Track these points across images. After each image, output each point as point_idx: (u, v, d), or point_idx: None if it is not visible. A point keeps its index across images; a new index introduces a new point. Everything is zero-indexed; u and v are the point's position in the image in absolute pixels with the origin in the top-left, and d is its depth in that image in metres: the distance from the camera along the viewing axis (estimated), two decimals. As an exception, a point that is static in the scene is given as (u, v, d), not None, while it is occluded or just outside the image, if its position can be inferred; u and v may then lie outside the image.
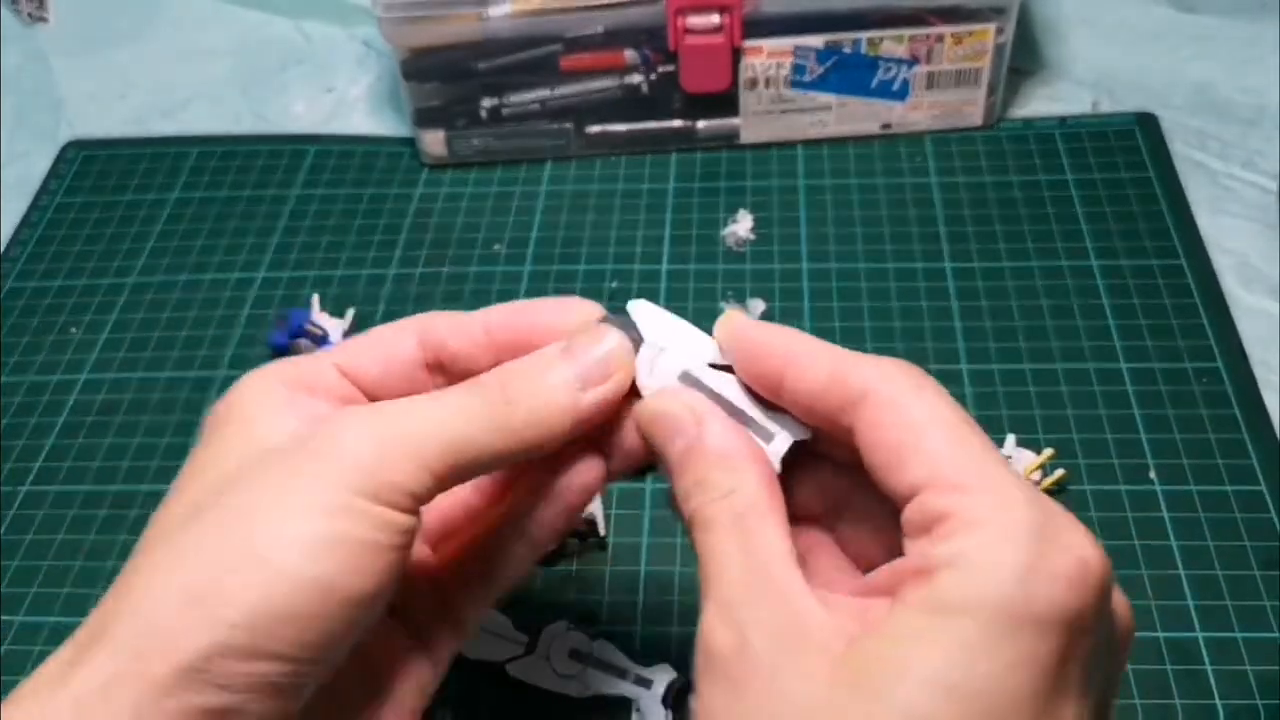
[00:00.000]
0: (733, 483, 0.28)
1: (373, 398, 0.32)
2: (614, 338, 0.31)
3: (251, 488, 0.28)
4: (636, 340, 0.31)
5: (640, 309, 0.32)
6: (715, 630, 0.26)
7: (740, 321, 0.31)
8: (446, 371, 0.33)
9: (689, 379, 0.31)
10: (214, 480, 0.29)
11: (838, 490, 0.32)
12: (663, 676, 0.42)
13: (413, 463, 0.28)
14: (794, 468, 0.31)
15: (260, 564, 0.26)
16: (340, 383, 0.32)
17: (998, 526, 0.24)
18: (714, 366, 0.31)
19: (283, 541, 0.27)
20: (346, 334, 0.56)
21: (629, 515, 0.49)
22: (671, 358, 0.31)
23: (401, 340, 0.33)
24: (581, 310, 0.33)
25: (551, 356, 0.31)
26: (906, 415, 0.27)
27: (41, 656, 0.48)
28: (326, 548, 0.27)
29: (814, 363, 0.29)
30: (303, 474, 0.28)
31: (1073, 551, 0.24)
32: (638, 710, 0.42)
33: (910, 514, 0.26)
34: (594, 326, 0.32)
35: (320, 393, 0.32)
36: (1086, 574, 0.24)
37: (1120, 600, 0.26)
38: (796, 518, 0.30)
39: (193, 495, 0.29)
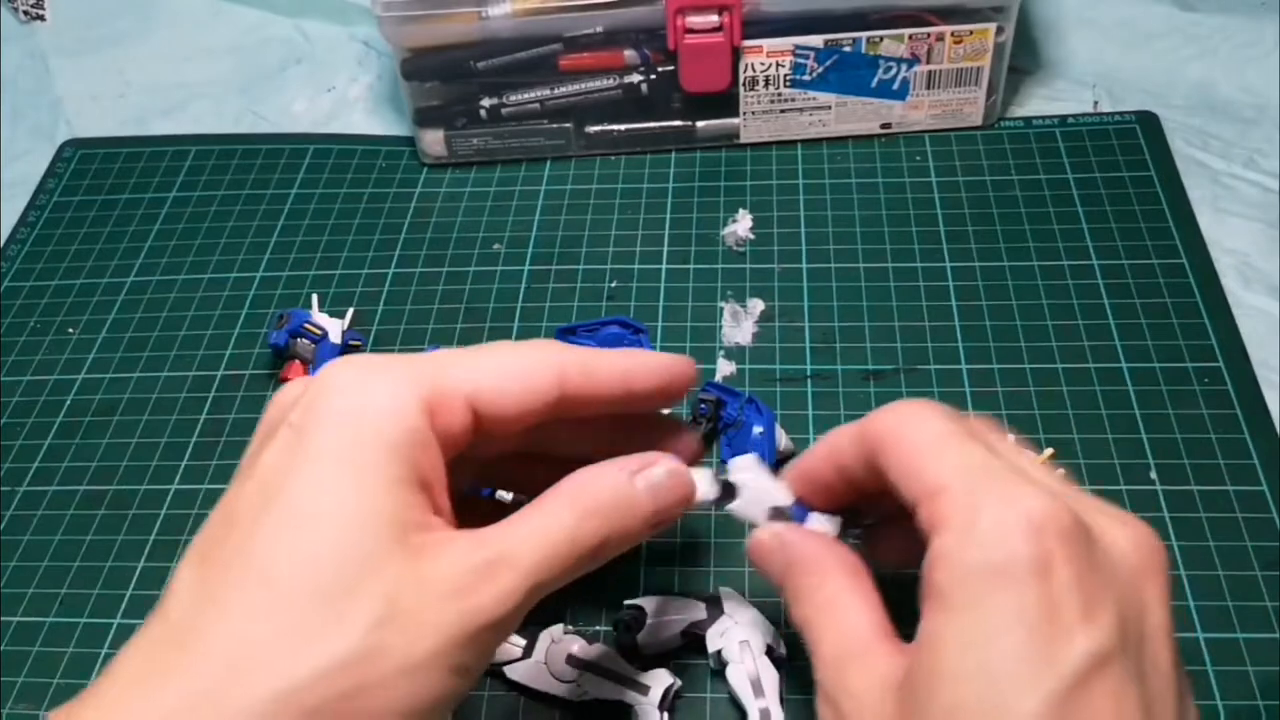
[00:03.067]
0: (816, 581, 0.34)
1: (481, 429, 0.33)
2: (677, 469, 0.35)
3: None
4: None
5: (727, 592, 0.43)
6: (820, 711, 0.31)
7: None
8: (562, 409, 0.34)
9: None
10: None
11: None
12: (660, 682, 0.42)
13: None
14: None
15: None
16: (461, 421, 0.32)
17: (957, 515, 0.28)
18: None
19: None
20: (345, 333, 0.56)
21: (628, 515, 0.48)
22: (736, 631, 0.42)
23: (543, 381, 0.33)
24: (693, 374, 0.37)
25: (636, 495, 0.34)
26: (904, 443, 0.31)
27: (40, 656, 0.48)
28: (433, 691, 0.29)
29: (844, 437, 0.34)
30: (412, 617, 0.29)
31: (1018, 506, 0.28)
32: (635, 716, 0.42)
33: (920, 527, 0.30)
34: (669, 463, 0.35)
35: (436, 448, 0.32)
36: (1034, 521, 0.28)
37: (1118, 532, 0.29)
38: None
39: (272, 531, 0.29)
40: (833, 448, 0.35)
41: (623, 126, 0.65)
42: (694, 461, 0.37)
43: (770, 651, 0.42)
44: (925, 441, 0.31)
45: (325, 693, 0.27)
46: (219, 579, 0.28)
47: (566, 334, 0.54)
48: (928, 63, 0.62)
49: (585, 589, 0.46)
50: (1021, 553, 0.27)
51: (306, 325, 0.55)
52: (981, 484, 0.29)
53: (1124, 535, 0.29)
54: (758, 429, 0.49)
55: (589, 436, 0.38)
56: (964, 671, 0.27)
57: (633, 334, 0.53)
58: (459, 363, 0.33)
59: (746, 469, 0.37)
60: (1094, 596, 0.27)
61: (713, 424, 0.51)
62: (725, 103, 0.64)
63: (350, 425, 0.30)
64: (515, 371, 0.33)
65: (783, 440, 0.49)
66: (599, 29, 0.61)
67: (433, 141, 0.65)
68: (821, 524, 0.36)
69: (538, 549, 0.31)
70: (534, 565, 0.31)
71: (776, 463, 0.48)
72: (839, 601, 0.32)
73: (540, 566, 0.31)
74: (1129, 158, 0.63)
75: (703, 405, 0.51)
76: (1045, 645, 0.26)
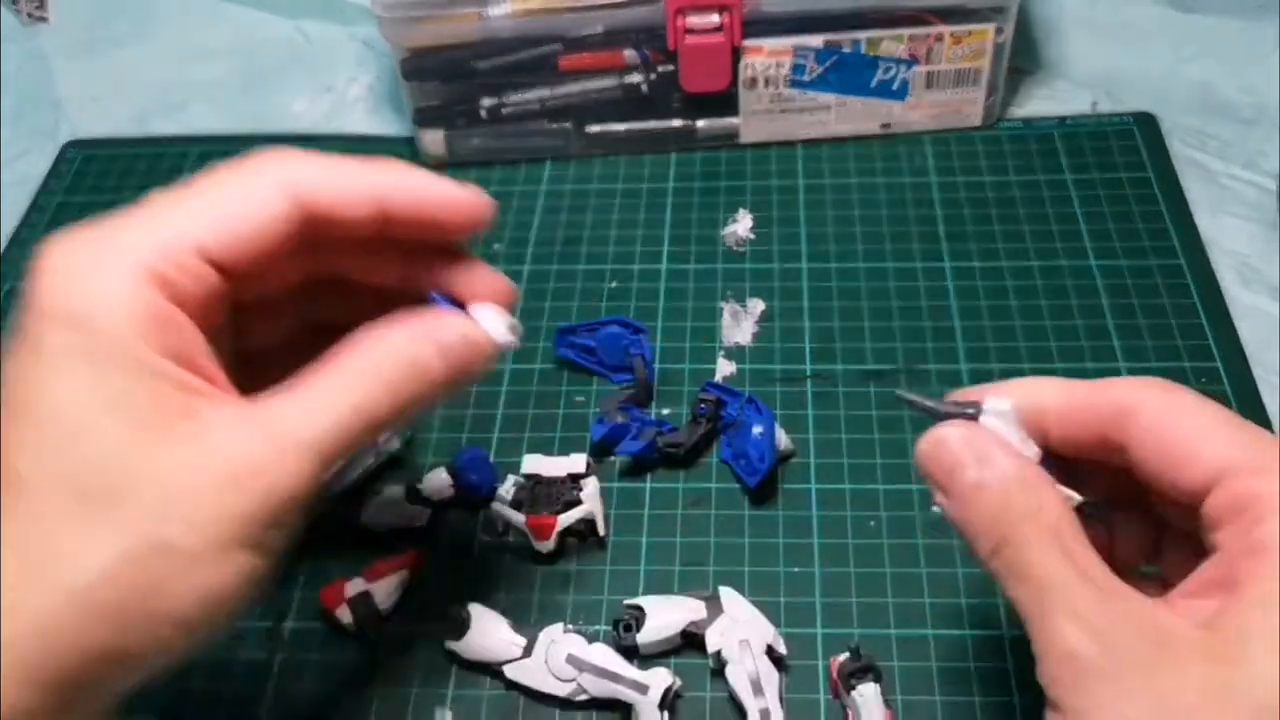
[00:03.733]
0: (1037, 501, 0.29)
1: (229, 274, 0.32)
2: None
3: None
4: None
5: (727, 592, 0.43)
6: (1075, 638, 0.27)
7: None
8: (311, 236, 0.33)
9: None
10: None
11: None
12: (660, 682, 0.42)
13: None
14: None
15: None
16: (201, 279, 0.31)
17: None
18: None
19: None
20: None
21: (629, 515, 0.49)
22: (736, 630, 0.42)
23: (276, 209, 0.32)
24: (484, 209, 0.36)
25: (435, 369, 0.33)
26: (1185, 418, 0.29)
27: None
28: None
29: (1067, 394, 0.32)
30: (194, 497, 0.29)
31: None
32: (635, 716, 0.42)
33: (1213, 506, 0.28)
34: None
35: (181, 317, 0.30)
36: None
37: None
38: None
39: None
40: (1070, 400, 0.32)
41: (623, 126, 0.65)
42: (507, 305, 0.35)
43: (770, 651, 0.42)
44: (1208, 420, 0.29)
45: (120, 587, 0.28)
46: None
47: (566, 334, 0.54)
48: (927, 63, 0.62)
49: (585, 589, 0.46)
50: None
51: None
52: None
53: None
54: (757, 429, 0.49)
55: (378, 278, 0.36)
56: None
57: (632, 333, 0.53)
58: (178, 216, 0.31)
59: (999, 416, 0.32)
60: None
61: (712, 424, 0.51)
62: (725, 103, 0.64)
63: (77, 322, 0.29)
64: (242, 208, 0.32)
65: (783, 440, 0.49)
66: (599, 29, 0.61)
67: (433, 141, 0.65)
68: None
69: (324, 425, 0.30)
70: (321, 442, 0.30)
71: (776, 462, 0.49)
72: (1081, 541, 0.29)
73: (328, 442, 0.30)
74: (1128, 158, 0.63)
75: (702, 405, 0.51)
76: None
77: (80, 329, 0.29)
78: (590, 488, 0.47)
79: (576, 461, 0.49)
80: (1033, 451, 0.32)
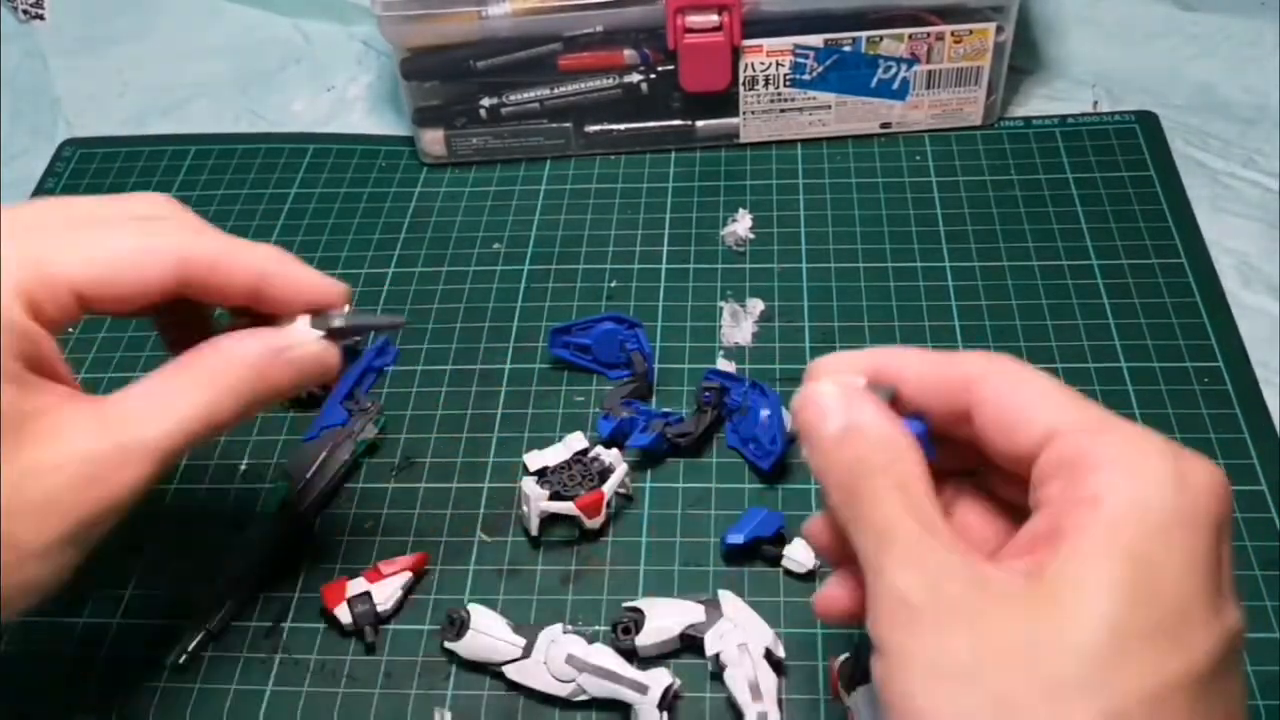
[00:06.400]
0: (890, 456, 0.30)
1: (86, 306, 0.34)
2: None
3: None
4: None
5: (726, 596, 0.44)
6: (907, 582, 0.28)
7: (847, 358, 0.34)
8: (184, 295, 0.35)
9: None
10: None
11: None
12: (660, 682, 0.42)
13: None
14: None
15: None
16: (66, 309, 0.33)
17: (1140, 454, 0.28)
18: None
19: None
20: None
21: (629, 515, 0.49)
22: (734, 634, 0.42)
23: (159, 273, 0.35)
24: (341, 294, 0.39)
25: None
26: (1023, 383, 0.30)
27: (40, 656, 0.48)
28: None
29: (922, 364, 0.32)
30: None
31: (1206, 467, 0.28)
32: (635, 716, 0.42)
33: (1044, 464, 0.29)
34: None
35: (42, 333, 0.33)
36: (1221, 486, 0.28)
37: None
38: None
39: None
40: (923, 369, 0.32)
41: (622, 126, 0.65)
42: (337, 305, 0.38)
43: (769, 655, 0.42)
44: (1045, 385, 0.30)
45: None
46: None
47: (560, 334, 0.54)
48: (927, 62, 0.62)
49: (585, 589, 0.46)
50: (1214, 512, 0.27)
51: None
52: (1150, 438, 0.28)
53: None
54: (765, 412, 0.49)
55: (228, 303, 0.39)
56: (1136, 597, 0.26)
57: (627, 329, 0.53)
58: (66, 250, 0.33)
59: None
60: (1232, 577, 0.28)
61: (717, 411, 0.51)
62: (725, 102, 0.64)
63: None
64: (128, 262, 0.34)
65: (789, 421, 0.49)
66: (599, 28, 0.61)
67: (432, 141, 0.65)
68: None
69: (171, 432, 0.33)
70: (167, 448, 0.33)
71: (787, 444, 0.49)
72: (928, 497, 0.30)
73: (172, 449, 0.33)
74: (1129, 157, 0.63)
75: (706, 393, 0.51)
76: (1215, 599, 0.27)
77: None
78: (611, 454, 0.48)
79: (576, 439, 0.49)
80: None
